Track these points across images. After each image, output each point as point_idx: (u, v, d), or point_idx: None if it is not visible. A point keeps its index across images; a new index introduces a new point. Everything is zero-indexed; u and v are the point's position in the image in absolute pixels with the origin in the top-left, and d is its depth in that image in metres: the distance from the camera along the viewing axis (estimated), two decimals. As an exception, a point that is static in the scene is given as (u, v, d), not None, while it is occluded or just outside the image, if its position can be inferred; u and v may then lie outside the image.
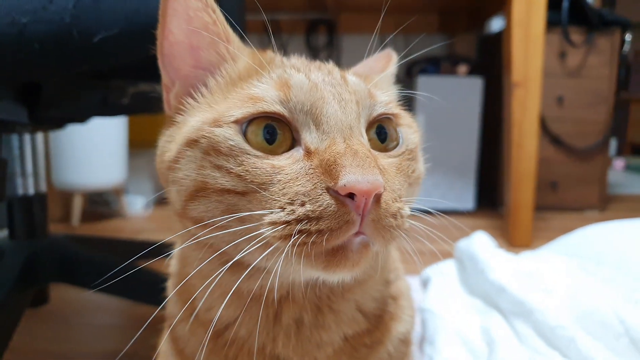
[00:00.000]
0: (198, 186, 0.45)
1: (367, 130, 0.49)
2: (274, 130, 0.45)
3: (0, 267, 1.05)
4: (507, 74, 1.96)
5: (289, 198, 0.41)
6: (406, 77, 2.88)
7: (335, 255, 0.41)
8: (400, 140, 0.51)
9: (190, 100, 0.51)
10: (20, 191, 1.17)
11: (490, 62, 2.67)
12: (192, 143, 0.46)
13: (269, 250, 0.41)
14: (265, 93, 0.45)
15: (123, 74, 0.98)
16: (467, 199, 2.61)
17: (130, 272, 0.71)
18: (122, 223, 2.40)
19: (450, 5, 2.67)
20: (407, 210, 0.45)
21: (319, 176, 0.41)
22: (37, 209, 1.17)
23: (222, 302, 0.49)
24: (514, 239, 1.96)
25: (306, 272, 0.44)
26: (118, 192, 2.46)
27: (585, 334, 0.75)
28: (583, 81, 2.58)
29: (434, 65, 2.65)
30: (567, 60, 2.56)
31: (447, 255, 1.14)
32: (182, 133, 0.48)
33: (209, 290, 0.46)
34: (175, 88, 0.53)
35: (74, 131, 2.13)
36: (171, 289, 0.60)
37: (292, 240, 0.39)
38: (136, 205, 2.60)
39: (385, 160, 0.48)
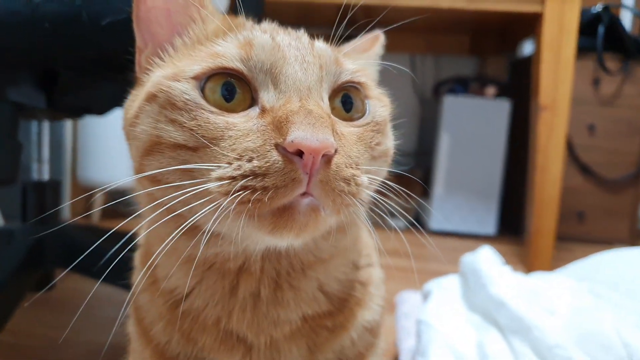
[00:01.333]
0: (153, 140, 0.45)
1: (332, 97, 0.48)
2: (233, 89, 0.44)
3: (7, 249, 1.07)
4: (535, 97, 1.92)
5: (238, 154, 0.40)
6: (433, 96, 2.86)
7: (282, 216, 0.40)
8: (367, 112, 0.50)
9: (157, 60, 0.52)
10: (35, 176, 1.20)
11: (521, 85, 2.63)
12: (151, 98, 0.46)
13: (212, 205, 0.40)
14: (226, 50, 0.45)
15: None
16: (488, 223, 2.55)
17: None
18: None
19: (481, 27, 2.65)
20: (364, 179, 0.43)
21: (269, 133, 0.41)
22: (49, 195, 1.19)
23: (180, 270, 0.49)
24: (533, 267, 1.90)
25: (254, 234, 0.43)
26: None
27: (584, 356, 0.71)
28: (617, 110, 2.51)
29: (462, 85, 2.63)
30: (601, 88, 2.50)
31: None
32: (144, 89, 0.48)
33: (167, 256, 0.46)
34: (147, 50, 0.53)
35: (99, 128, 2.19)
36: (137, 259, 0.60)
37: (234, 195, 0.39)
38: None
39: (347, 128, 0.47)
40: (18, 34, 0.68)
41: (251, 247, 0.46)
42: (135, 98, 0.50)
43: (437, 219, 2.57)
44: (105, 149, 2.24)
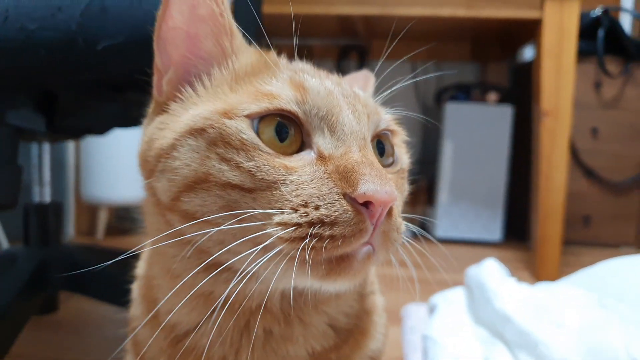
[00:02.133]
0: (199, 177, 0.43)
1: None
2: (285, 130, 0.44)
3: (10, 273, 1.07)
4: (537, 103, 1.92)
5: (303, 200, 0.40)
6: (435, 103, 2.86)
7: (340, 264, 0.40)
8: (397, 159, 0.52)
9: (189, 89, 0.49)
10: (36, 199, 1.20)
11: (522, 90, 2.62)
12: (196, 132, 0.44)
13: (270, 253, 0.40)
14: (281, 91, 0.45)
15: (138, 87, 1.00)
16: (494, 230, 2.54)
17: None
18: (145, 239, 2.42)
19: (482, 33, 2.65)
20: (403, 226, 0.45)
21: (335, 181, 0.41)
22: (51, 218, 1.19)
23: (186, 306, 0.48)
24: (539, 274, 1.88)
25: (302, 280, 0.42)
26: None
27: (593, 372, 0.70)
28: (619, 113, 2.50)
29: (464, 92, 2.62)
30: (603, 91, 2.49)
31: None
32: (182, 121, 0.46)
33: (176, 291, 0.44)
34: (168, 74, 0.51)
35: (102, 145, 2.19)
36: (136, 291, 0.59)
37: (303, 243, 0.39)
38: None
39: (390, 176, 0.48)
40: (13, 60, 0.68)
41: (281, 287, 0.46)
42: (164, 127, 0.47)
43: (443, 226, 2.55)
44: (108, 166, 2.24)
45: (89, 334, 1.25)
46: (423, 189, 2.75)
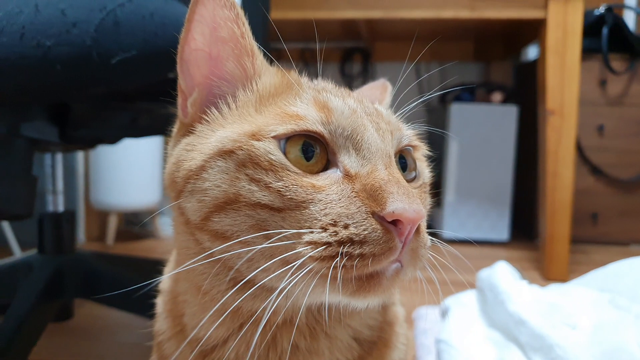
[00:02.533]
0: (229, 198, 0.43)
1: None
2: (312, 149, 0.45)
3: (26, 281, 1.08)
4: (542, 102, 1.92)
5: (332, 219, 0.41)
6: (440, 104, 2.86)
7: (370, 281, 0.41)
8: (419, 173, 0.53)
9: (214, 110, 0.50)
10: (50, 208, 1.21)
11: (526, 89, 2.62)
12: (225, 154, 0.44)
13: (301, 272, 0.40)
14: (306, 112, 0.45)
15: (149, 96, 1.02)
16: (501, 229, 2.54)
17: (153, 293, 0.72)
18: (155, 244, 2.44)
19: (485, 32, 2.65)
20: (429, 241, 0.45)
21: (362, 200, 0.41)
22: (65, 226, 1.20)
23: (214, 321, 0.48)
24: (549, 272, 1.88)
25: (333, 297, 0.43)
26: (153, 213, 2.52)
27: (608, 373, 0.70)
28: (625, 110, 2.50)
29: (468, 92, 2.62)
30: (608, 88, 2.48)
31: (474, 286, 1.11)
32: (210, 143, 0.46)
33: (202, 306, 0.46)
34: (193, 96, 0.51)
35: (111, 152, 2.21)
36: (160, 306, 0.60)
37: (334, 262, 0.39)
38: (170, 226, 2.65)
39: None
40: (30, 76, 0.69)
41: (310, 302, 0.46)
42: (192, 149, 0.48)
43: (450, 226, 2.56)
44: (117, 173, 2.26)
45: (104, 340, 1.27)
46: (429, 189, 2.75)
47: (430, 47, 3.08)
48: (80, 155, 2.41)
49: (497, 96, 2.57)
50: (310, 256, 0.40)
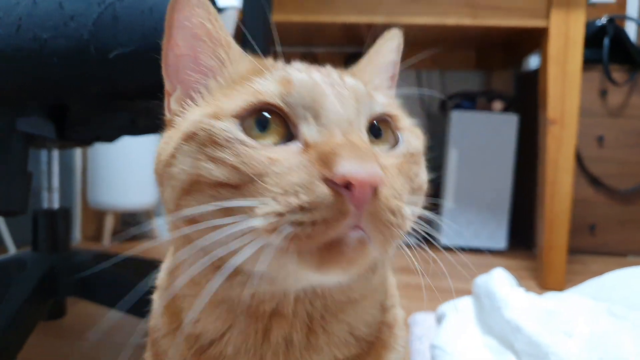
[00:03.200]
0: (192, 180, 0.44)
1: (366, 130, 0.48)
2: (267, 122, 0.45)
3: (19, 279, 1.07)
4: (543, 111, 1.92)
5: (283, 189, 0.40)
6: (440, 111, 2.86)
7: (330, 252, 0.39)
8: (400, 142, 0.50)
9: (189, 101, 0.52)
10: (45, 205, 1.21)
11: (527, 99, 2.62)
12: (189, 137, 0.45)
13: (258, 243, 0.39)
14: (265, 87, 0.46)
15: (148, 95, 1.01)
16: (499, 238, 2.53)
17: (148, 292, 0.71)
18: (152, 244, 2.43)
19: (487, 41, 2.65)
20: (407, 211, 0.43)
21: (315, 167, 0.40)
22: (60, 224, 1.19)
23: (210, 314, 0.48)
24: (546, 282, 1.88)
25: (299, 272, 0.42)
26: (150, 214, 2.51)
27: (604, 382, 0.70)
28: (625, 121, 2.49)
29: (469, 100, 2.62)
30: (608, 99, 2.48)
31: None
32: (180, 130, 0.48)
33: (196, 299, 0.45)
34: (176, 92, 0.53)
35: (109, 151, 2.20)
36: (157, 302, 0.59)
37: (285, 232, 0.38)
38: (167, 227, 2.64)
39: (387, 159, 0.46)
40: (26, 69, 0.69)
41: (289, 287, 0.45)
42: (170, 140, 0.49)
43: (448, 234, 2.55)
44: (115, 172, 2.26)
45: (97, 340, 1.25)
46: (427, 196, 2.75)
47: (431, 55, 3.09)
48: (78, 154, 2.40)
49: (497, 105, 2.57)
50: (263, 229, 0.39)
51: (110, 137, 1.19)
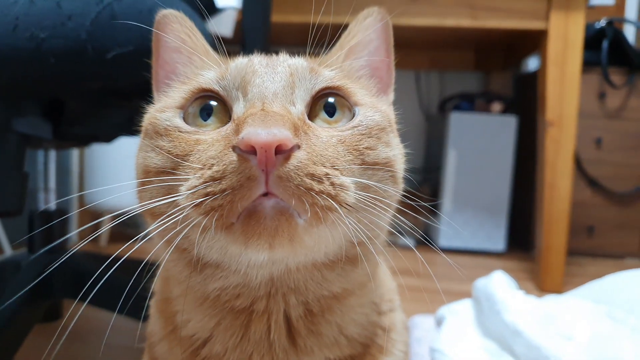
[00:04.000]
0: (143, 170, 0.47)
1: (315, 107, 0.47)
2: (212, 110, 0.46)
3: (14, 281, 1.06)
4: (541, 113, 1.92)
5: (202, 163, 0.41)
6: (439, 113, 2.86)
7: (250, 223, 0.39)
8: (355, 117, 0.49)
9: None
10: (41, 206, 1.19)
11: (526, 100, 2.63)
12: (144, 133, 0.49)
13: (183, 218, 0.40)
14: (206, 76, 0.48)
15: (146, 94, 1.00)
16: (497, 240, 2.53)
17: (145, 294, 0.70)
18: (149, 246, 2.42)
19: (486, 42, 2.65)
20: (344, 180, 0.41)
21: (229, 138, 0.41)
22: (56, 225, 1.18)
23: (198, 314, 0.49)
24: (544, 284, 1.87)
25: (231, 250, 0.42)
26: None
27: (605, 387, 0.69)
28: (623, 123, 2.50)
29: (468, 102, 2.62)
30: (607, 102, 2.48)
31: (470, 295, 1.10)
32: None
33: (184, 298, 0.47)
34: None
35: (106, 152, 2.19)
36: (153, 307, 0.59)
37: (203, 206, 0.39)
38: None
39: (326, 132, 0.45)
40: (23, 69, 0.68)
41: (250, 275, 0.45)
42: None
43: (446, 235, 2.54)
44: (112, 173, 2.24)
45: (93, 341, 1.24)
46: (426, 198, 2.74)
47: (430, 56, 3.09)
48: (74, 155, 2.39)
49: (496, 106, 2.57)
50: (186, 204, 0.40)
51: (108, 136, 1.18)
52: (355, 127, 0.47)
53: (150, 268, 0.62)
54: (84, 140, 1.17)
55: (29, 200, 0.92)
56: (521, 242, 2.63)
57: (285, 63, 0.49)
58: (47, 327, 1.28)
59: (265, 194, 0.38)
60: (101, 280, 1.13)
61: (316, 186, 0.39)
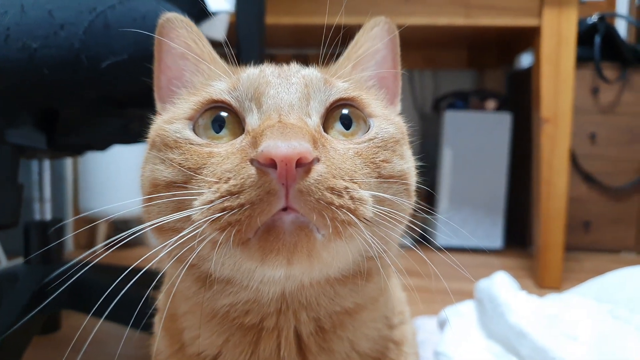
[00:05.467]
0: (151, 183, 0.45)
1: (329, 119, 0.47)
2: (223, 122, 0.45)
3: (12, 293, 1.05)
4: (536, 110, 1.92)
5: (217, 177, 0.39)
6: (433, 111, 2.86)
7: (268, 239, 0.37)
8: (370, 129, 0.48)
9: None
10: (37, 216, 1.18)
11: (520, 97, 2.63)
12: (152, 145, 0.47)
13: (198, 234, 0.39)
14: (216, 87, 0.47)
15: (140, 102, 0.99)
16: (495, 237, 2.53)
17: (144, 304, 0.69)
18: (144, 252, 2.40)
19: (479, 40, 2.65)
20: (363, 194, 0.40)
21: (246, 151, 0.40)
22: (52, 235, 1.17)
23: (207, 331, 0.48)
24: (542, 280, 1.87)
25: (246, 266, 0.40)
26: (142, 221, 2.48)
27: (612, 388, 0.69)
28: (617, 118, 2.50)
29: (462, 100, 2.62)
30: (600, 97, 2.49)
31: (470, 295, 1.09)
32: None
33: (192, 315, 0.46)
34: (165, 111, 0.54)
35: (100, 159, 2.17)
36: (158, 324, 0.57)
37: (218, 221, 0.37)
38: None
39: (342, 145, 0.44)
40: (16, 79, 0.67)
41: (262, 291, 0.44)
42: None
43: (443, 234, 2.54)
44: (106, 180, 2.23)
45: (92, 353, 1.23)
46: (422, 196, 2.74)
47: (423, 55, 3.08)
48: (68, 162, 2.37)
49: (490, 104, 2.57)
50: (200, 219, 0.38)
51: (101, 145, 1.16)
52: (371, 139, 0.46)
53: (149, 277, 0.61)
54: (78, 149, 1.16)
55: (24, 210, 0.91)
56: (518, 239, 2.63)
57: (299, 74, 0.47)
58: (46, 339, 1.27)
59: (284, 209, 0.37)
60: (99, 290, 1.12)
61: (336, 200, 0.38)
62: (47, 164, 1.21)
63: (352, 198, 0.39)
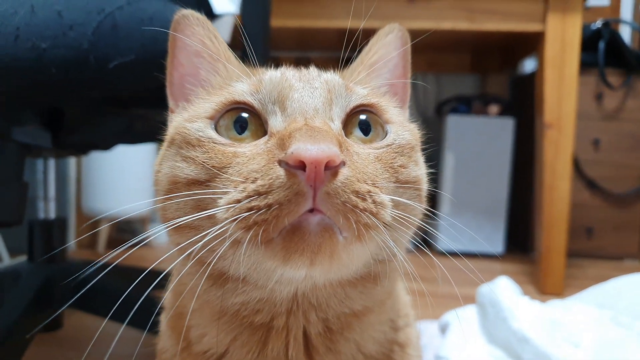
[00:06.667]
0: (171, 181, 0.45)
1: (350, 125, 0.48)
2: (245, 124, 0.46)
3: (15, 291, 1.05)
4: (539, 115, 1.92)
5: (243, 177, 0.40)
6: (436, 115, 2.86)
7: (293, 239, 0.38)
8: (388, 135, 0.49)
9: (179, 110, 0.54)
10: (41, 215, 1.18)
11: (523, 102, 2.63)
12: (171, 142, 0.48)
13: (221, 233, 0.39)
14: (238, 88, 0.47)
15: (145, 102, 1.00)
16: (496, 242, 2.52)
17: (147, 303, 0.69)
18: (147, 252, 2.40)
19: (482, 45, 2.65)
20: (384, 198, 0.41)
21: (273, 152, 0.40)
22: (56, 234, 1.17)
23: (214, 329, 0.48)
24: (544, 286, 1.87)
25: (268, 265, 0.41)
26: (145, 220, 2.48)
27: (614, 394, 0.69)
28: (621, 124, 2.50)
29: (465, 104, 2.62)
30: (604, 103, 2.49)
31: (471, 299, 1.09)
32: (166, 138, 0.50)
33: (200, 313, 0.46)
34: (179, 109, 0.54)
35: (103, 159, 2.18)
36: (164, 323, 0.58)
37: (245, 220, 0.38)
38: (162, 234, 2.61)
39: (363, 150, 0.45)
40: (25, 79, 0.67)
41: (276, 291, 0.45)
42: (162, 151, 0.51)
43: (445, 239, 2.53)
44: (110, 179, 2.23)
45: (94, 351, 1.23)
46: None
47: (426, 59, 3.08)
48: (72, 162, 2.38)
49: (493, 108, 2.57)
50: (225, 218, 0.39)
51: (106, 144, 1.17)
52: (389, 145, 0.47)
53: (154, 276, 0.61)
54: (83, 148, 1.16)
55: (28, 208, 0.91)
56: (520, 244, 2.63)
57: (321, 78, 0.48)
58: (48, 337, 1.27)
59: (311, 210, 0.38)
60: (103, 288, 1.12)
61: (360, 203, 0.39)
62: (52, 163, 1.22)
63: (374, 202, 0.40)
